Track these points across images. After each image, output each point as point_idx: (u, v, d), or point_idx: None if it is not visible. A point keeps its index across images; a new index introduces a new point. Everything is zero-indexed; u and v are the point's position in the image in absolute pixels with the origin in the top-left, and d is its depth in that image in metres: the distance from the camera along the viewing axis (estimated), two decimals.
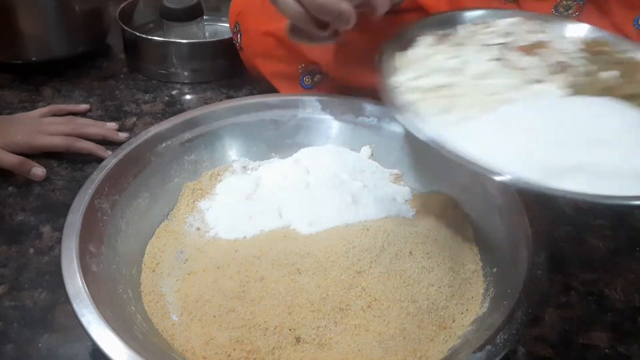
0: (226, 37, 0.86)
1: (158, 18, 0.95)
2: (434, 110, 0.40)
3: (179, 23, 0.91)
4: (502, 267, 0.49)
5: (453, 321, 0.47)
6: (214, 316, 0.46)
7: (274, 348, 0.44)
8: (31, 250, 0.57)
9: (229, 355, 0.44)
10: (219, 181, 0.61)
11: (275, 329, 0.45)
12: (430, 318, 0.47)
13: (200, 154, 0.61)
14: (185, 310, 0.47)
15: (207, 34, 0.98)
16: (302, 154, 0.63)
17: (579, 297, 0.54)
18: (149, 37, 0.87)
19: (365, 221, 0.55)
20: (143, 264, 0.52)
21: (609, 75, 0.42)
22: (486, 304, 0.48)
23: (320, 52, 0.70)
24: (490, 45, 0.45)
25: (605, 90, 0.41)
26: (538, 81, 0.42)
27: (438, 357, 0.44)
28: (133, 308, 0.46)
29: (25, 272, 0.54)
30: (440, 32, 0.47)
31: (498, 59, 0.44)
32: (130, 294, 0.48)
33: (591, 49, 0.46)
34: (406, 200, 0.59)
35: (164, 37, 0.90)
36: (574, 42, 0.46)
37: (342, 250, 0.52)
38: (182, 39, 0.89)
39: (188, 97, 0.86)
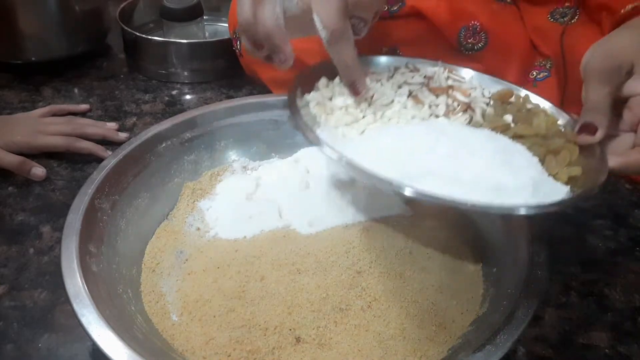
0: (226, 37, 0.86)
1: (158, 18, 0.95)
2: (337, 124, 0.45)
3: (179, 23, 0.91)
4: (502, 267, 0.49)
5: (453, 321, 0.47)
6: (214, 316, 0.46)
7: (274, 348, 0.44)
8: (31, 250, 0.57)
9: (229, 355, 0.44)
10: (219, 181, 0.61)
11: (275, 329, 0.45)
12: (430, 318, 0.47)
13: (200, 154, 0.61)
14: (185, 310, 0.47)
15: (207, 34, 0.98)
16: (302, 154, 0.63)
17: (579, 297, 0.54)
18: (149, 37, 0.87)
19: (365, 221, 0.55)
20: (143, 264, 0.52)
21: (504, 118, 0.47)
22: (486, 304, 0.48)
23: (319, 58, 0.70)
24: (408, 84, 0.50)
25: (497, 129, 0.45)
26: (438, 116, 0.47)
27: (438, 357, 0.44)
28: (133, 308, 0.46)
29: (25, 272, 0.54)
30: (368, 69, 0.51)
31: (409, 95, 0.49)
32: (130, 294, 0.48)
33: (499, 98, 0.50)
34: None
35: (164, 37, 0.90)
36: (486, 91, 0.51)
37: (342, 250, 0.52)
38: (182, 39, 0.89)
39: (188, 97, 0.86)
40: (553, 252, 0.47)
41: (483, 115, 0.48)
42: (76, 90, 0.85)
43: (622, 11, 0.49)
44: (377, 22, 0.72)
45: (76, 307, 0.41)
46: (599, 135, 0.43)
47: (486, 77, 0.53)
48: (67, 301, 0.41)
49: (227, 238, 0.54)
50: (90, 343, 0.41)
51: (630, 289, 0.55)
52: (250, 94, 0.84)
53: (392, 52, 0.71)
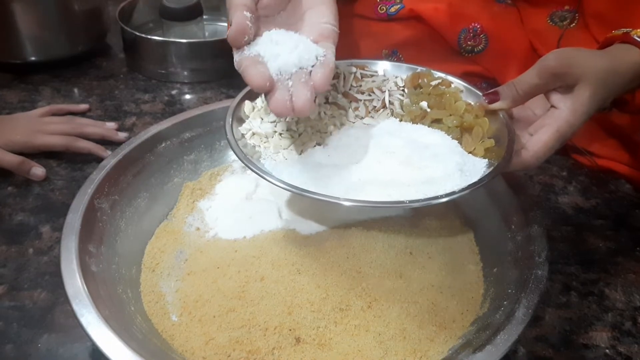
0: (226, 36, 0.86)
1: (158, 18, 0.95)
2: (276, 150, 0.47)
3: (178, 23, 0.91)
4: (502, 267, 0.49)
5: (453, 321, 0.47)
6: (214, 316, 0.46)
7: (274, 348, 0.44)
8: (31, 250, 0.57)
9: (229, 356, 0.44)
10: (219, 181, 0.61)
11: (275, 329, 0.45)
12: (430, 318, 0.47)
13: (200, 154, 0.61)
14: (185, 310, 0.47)
15: (207, 34, 0.98)
16: None
17: (579, 297, 0.54)
18: (149, 36, 0.87)
19: (366, 221, 0.55)
20: (143, 264, 0.52)
21: (420, 106, 0.50)
22: (486, 304, 0.48)
23: None
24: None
25: (418, 118, 0.50)
26: (362, 117, 0.50)
27: (438, 357, 0.44)
28: (133, 308, 0.46)
29: (25, 272, 0.54)
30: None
31: (327, 101, 0.51)
32: (130, 294, 0.48)
33: (410, 85, 0.52)
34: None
35: (163, 37, 0.90)
36: (398, 79, 0.53)
37: (342, 250, 0.52)
38: (182, 38, 0.89)
39: (188, 97, 0.85)
40: (553, 252, 0.47)
41: (401, 106, 0.51)
42: (76, 90, 0.85)
43: (623, 31, 0.48)
44: (376, 25, 0.72)
45: (76, 307, 0.41)
46: (498, 104, 0.46)
47: (404, 66, 0.54)
48: (67, 301, 0.41)
49: (227, 238, 0.54)
50: (90, 343, 0.41)
51: (630, 289, 0.55)
52: None
53: (391, 54, 0.71)
